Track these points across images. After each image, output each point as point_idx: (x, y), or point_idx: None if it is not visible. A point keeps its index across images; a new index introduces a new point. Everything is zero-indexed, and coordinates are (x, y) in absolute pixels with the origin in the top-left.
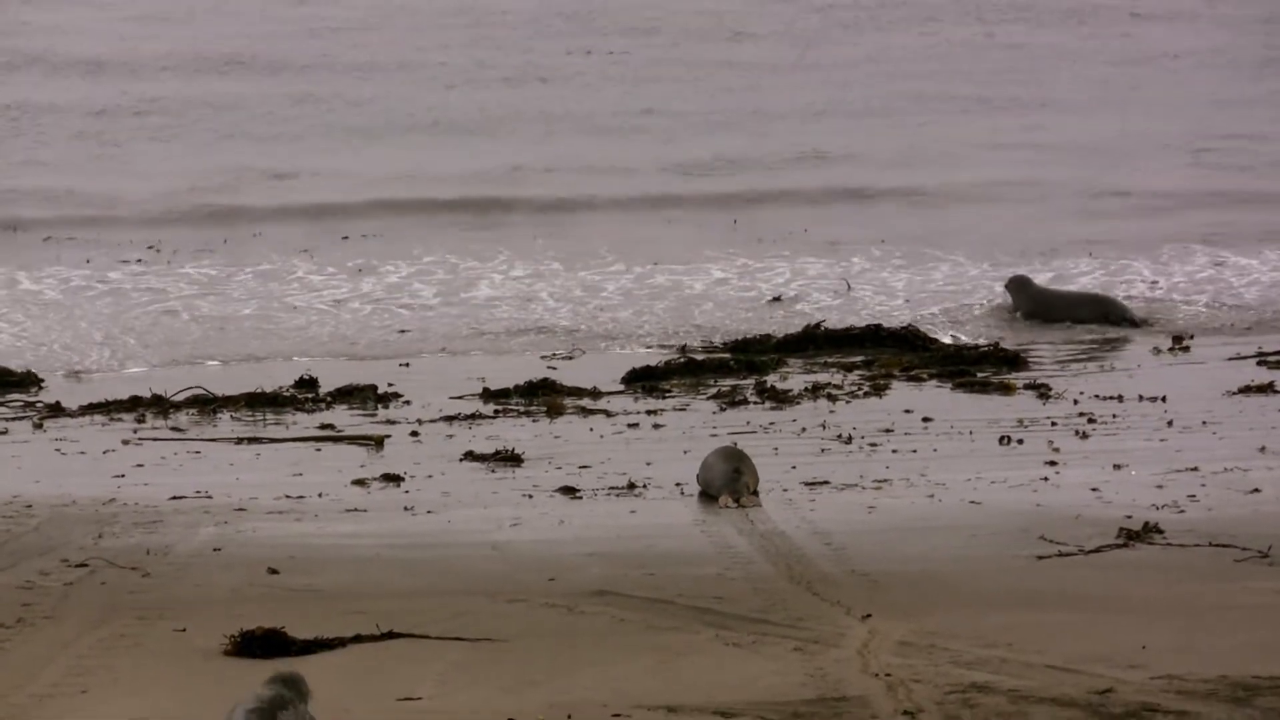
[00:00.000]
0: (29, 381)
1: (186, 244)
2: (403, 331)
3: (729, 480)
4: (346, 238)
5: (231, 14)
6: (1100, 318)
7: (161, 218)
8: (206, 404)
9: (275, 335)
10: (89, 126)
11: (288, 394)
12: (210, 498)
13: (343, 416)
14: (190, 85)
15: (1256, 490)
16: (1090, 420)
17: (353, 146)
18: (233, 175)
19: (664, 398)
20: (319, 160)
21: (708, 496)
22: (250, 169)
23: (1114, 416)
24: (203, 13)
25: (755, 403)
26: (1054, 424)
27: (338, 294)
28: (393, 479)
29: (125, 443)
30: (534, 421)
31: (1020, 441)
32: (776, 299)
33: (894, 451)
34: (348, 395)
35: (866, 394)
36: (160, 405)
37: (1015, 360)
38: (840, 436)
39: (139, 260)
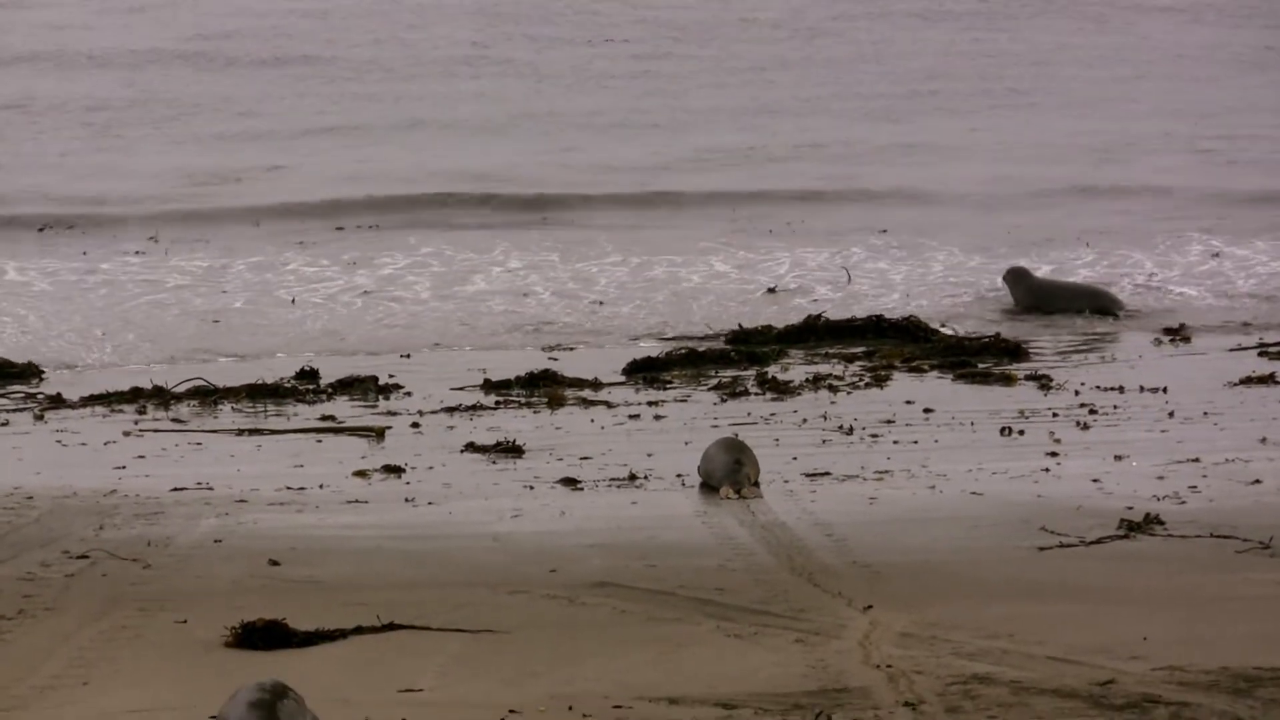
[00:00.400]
0: (30, 373)
1: (184, 237)
2: (396, 326)
3: (730, 471)
4: (341, 228)
5: (238, 5)
6: (1098, 310)
7: (159, 210)
8: (207, 395)
9: (270, 330)
10: (86, 119)
11: (288, 385)
12: (211, 489)
13: (343, 408)
14: (190, 78)
15: (1258, 481)
16: (1091, 411)
17: (353, 141)
18: (230, 169)
19: (665, 389)
20: (318, 154)
21: (709, 488)
22: (249, 162)
23: (1115, 407)
24: (208, 4)
25: (756, 394)
26: (1055, 415)
27: (332, 288)
28: (394, 470)
29: (126, 434)
30: (535, 413)
31: (1021, 432)
32: (772, 290)
33: (895, 442)
34: (348, 387)
35: (868, 385)
36: (161, 396)
37: (1016, 351)
38: (841, 427)
39: (137, 252)
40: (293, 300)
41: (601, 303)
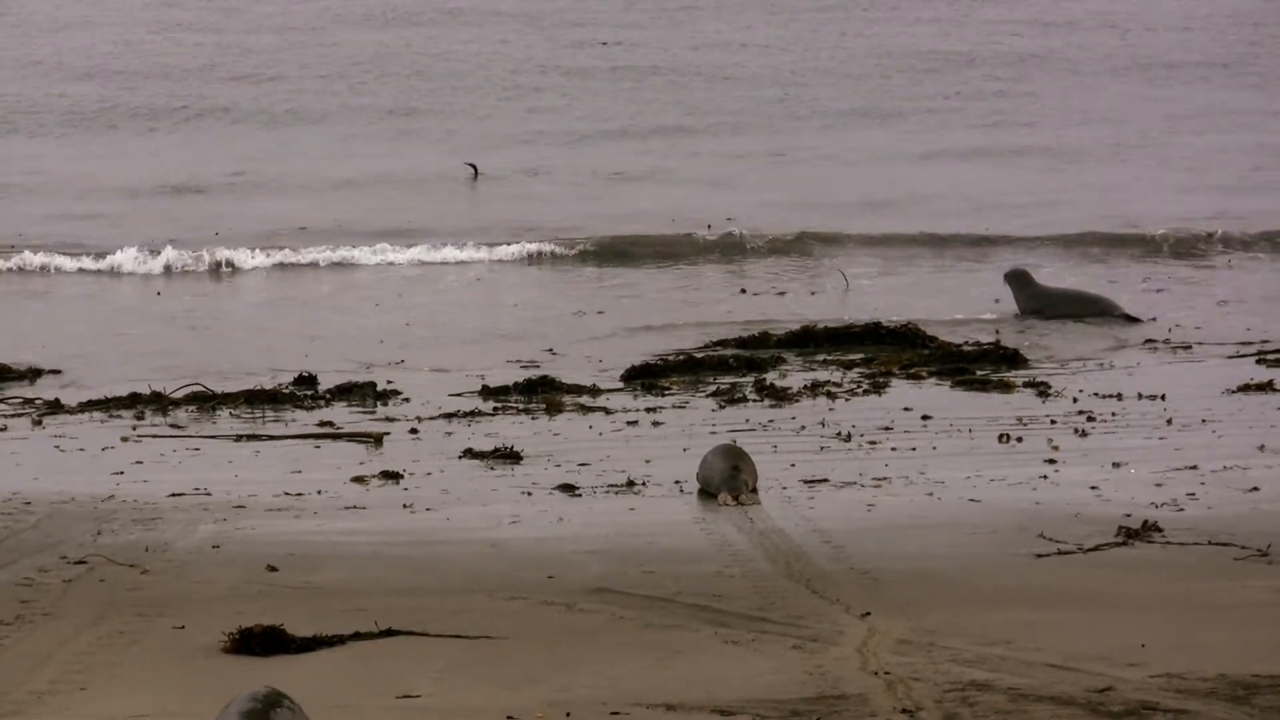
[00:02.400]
0: (28, 378)
1: (177, 254)
2: (380, 342)
3: (728, 478)
4: (326, 245)
5: (246, 17)
6: (1099, 315)
7: (152, 222)
8: (205, 401)
9: (262, 344)
10: (79, 127)
11: (287, 391)
12: (209, 495)
13: (342, 414)
14: (186, 90)
15: (1255, 489)
16: (1090, 418)
17: (349, 189)
18: (223, 185)
19: (663, 395)
20: (305, 182)
21: (707, 494)
22: (238, 180)
23: (1113, 414)
24: (220, 13)
25: (754, 400)
26: (1053, 422)
27: (323, 304)
28: (392, 476)
29: (124, 440)
30: (533, 419)
31: (1019, 439)
32: (742, 291)
33: (893, 449)
34: (347, 393)
35: (866, 391)
36: (159, 402)
37: (1014, 358)
38: (839, 434)
39: (126, 267)
40: (280, 317)
41: (602, 311)
